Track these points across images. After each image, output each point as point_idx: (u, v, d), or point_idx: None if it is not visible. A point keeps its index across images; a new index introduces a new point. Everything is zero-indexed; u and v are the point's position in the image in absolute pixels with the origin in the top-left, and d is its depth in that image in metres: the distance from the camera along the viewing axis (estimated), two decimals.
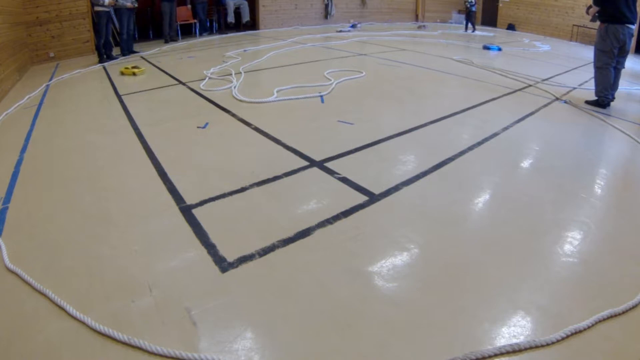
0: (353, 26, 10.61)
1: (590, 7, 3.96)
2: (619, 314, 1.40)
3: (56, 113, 3.72)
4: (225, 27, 9.80)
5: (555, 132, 3.28)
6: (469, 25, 10.94)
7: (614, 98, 4.02)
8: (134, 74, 5.17)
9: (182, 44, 7.96)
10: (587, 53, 8.04)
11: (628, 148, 3.01)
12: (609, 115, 3.73)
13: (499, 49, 7.46)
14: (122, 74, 5.18)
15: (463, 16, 13.68)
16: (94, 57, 6.53)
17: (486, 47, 7.59)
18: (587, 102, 4.03)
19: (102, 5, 5.86)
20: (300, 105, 3.88)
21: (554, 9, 11.16)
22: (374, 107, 3.84)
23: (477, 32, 10.70)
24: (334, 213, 2.02)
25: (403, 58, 6.38)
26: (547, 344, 1.28)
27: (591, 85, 4.79)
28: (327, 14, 11.25)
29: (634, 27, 3.81)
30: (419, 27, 10.92)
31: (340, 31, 9.69)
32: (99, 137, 3.09)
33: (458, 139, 3.04)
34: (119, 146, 2.92)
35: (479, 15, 13.62)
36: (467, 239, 1.86)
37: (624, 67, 4.02)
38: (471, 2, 10.53)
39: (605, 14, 3.75)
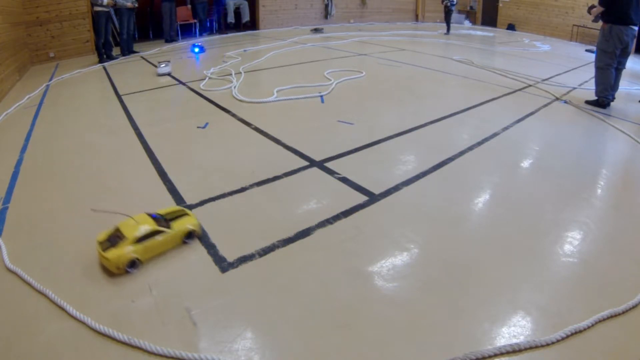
0: (200, 49, 6.38)
1: (593, 6, 3.93)
2: (619, 314, 1.40)
3: (56, 113, 3.72)
4: (225, 27, 9.80)
5: (555, 132, 3.28)
6: (448, 25, 10.05)
7: (614, 98, 4.02)
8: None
9: (182, 44, 7.96)
10: (587, 53, 8.04)
11: (628, 148, 3.01)
12: (609, 115, 3.73)
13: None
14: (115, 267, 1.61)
15: (463, 16, 13.68)
16: (94, 57, 6.53)
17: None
18: (587, 102, 4.03)
19: (102, 5, 5.87)
20: (300, 105, 3.88)
21: (554, 9, 11.16)
22: (374, 107, 3.84)
23: (452, 32, 10.01)
24: (334, 213, 2.02)
25: (403, 58, 6.38)
26: (547, 344, 1.28)
27: (591, 85, 4.78)
28: (327, 14, 11.25)
29: (637, 29, 3.80)
30: (313, 30, 8.79)
31: (162, 73, 5.07)
32: (99, 137, 3.09)
33: (458, 139, 3.04)
34: (119, 146, 2.92)
35: (478, 16, 13.63)
36: (467, 239, 1.86)
37: (624, 68, 4.01)
38: (452, 0, 9.78)
39: (610, 14, 3.73)
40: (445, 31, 10.12)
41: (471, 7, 13.98)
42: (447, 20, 10.13)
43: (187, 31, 9.01)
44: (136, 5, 6.58)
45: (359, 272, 1.63)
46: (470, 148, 2.85)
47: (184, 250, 1.75)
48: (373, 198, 2.17)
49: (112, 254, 1.55)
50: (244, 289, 1.53)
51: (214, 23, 9.68)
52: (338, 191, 2.25)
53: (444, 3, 10.00)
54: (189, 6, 8.90)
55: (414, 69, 5.58)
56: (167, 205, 2.09)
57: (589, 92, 4.32)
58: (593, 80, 4.13)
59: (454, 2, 9.94)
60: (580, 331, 1.33)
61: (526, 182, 2.47)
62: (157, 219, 1.72)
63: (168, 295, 1.49)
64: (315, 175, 2.44)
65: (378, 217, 2.02)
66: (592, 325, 1.35)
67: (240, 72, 5.07)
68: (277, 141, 2.94)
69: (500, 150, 2.88)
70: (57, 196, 2.24)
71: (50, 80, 5.08)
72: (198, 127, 3.25)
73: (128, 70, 5.67)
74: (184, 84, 4.67)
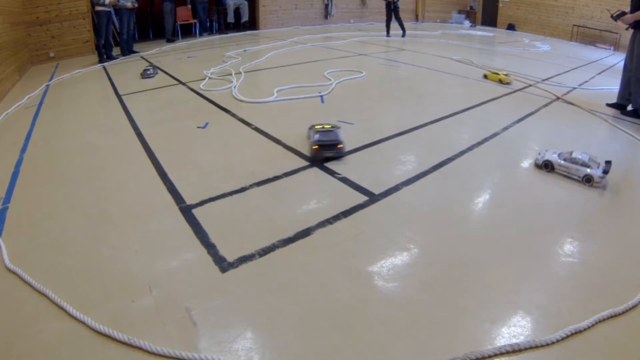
0: None
1: (623, 13, 3.74)
2: (619, 314, 1.40)
3: (56, 113, 3.72)
4: (225, 27, 9.80)
5: (555, 132, 3.28)
6: (398, 26, 8.61)
7: None
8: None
9: (182, 44, 7.96)
10: (587, 53, 8.04)
11: (629, 147, 3.01)
12: (610, 115, 3.72)
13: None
14: None
15: (463, 16, 13.67)
16: (94, 57, 6.53)
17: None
18: (624, 113, 3.75)
19: (103, 5, 5.87)
20: (301, 105, 3.88)
21: (554, 9, 11.17)
22: (374, 107, 3.84)
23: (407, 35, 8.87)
24: (334, 213, 2.02)
25: (403, 58, 6.38)
26: (547, 344, 1.28)
27: (591, 85, 4.81)
28: (327, 14, 11.25)
29: None
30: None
31: None
32: (99, 137, 3.09)
33: (458, 139, 3.04)
34: (119, 146, 2.92)
35: (478, 16, 13.62)
36: (467, 239, 1.86)
37: None
38: None
39: None
40: (385, 34, 8.75)
41: (471, 7, 13.97)
42: (388, 21, 8.79)
43: (187, 31, 9.02)
44: (136, 5, 6.58)
45: (359, 272, 1.63)
46: (470, 148, 2.85)
47: (184, 250, 1.75)
48: (373, 198, 2.17)
49: None
50: (244, 289, 1.53)
51: (214, 23, 9.69)
52: (338, 191, 2.25)
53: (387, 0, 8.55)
54: (189, 6, 8.91)
55: (414, 69, 5.58)
56: (167, 207, 2.10)
57: (589, 92, 4.32)
58: (593, 81, 4.11)
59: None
60: (580, 331, 1.33)
61: (526, 182, 2.47)
62: None
63: (168, 295, 1.49)
64: (315, 175, 2.44)
65: (378, 217, 2.02)
66: (592, 325, 1.35)
67: (240, 72, 5.07)
68: (277, 141, 2.94)
69: (501, 150, 2.87)
70: (57, 196, 2.24)
71: (50, 80, 5.08)
72: (198, 127, 3.25)
73: (128, 70, 5.66)
74: (184, 84, 4.67)
